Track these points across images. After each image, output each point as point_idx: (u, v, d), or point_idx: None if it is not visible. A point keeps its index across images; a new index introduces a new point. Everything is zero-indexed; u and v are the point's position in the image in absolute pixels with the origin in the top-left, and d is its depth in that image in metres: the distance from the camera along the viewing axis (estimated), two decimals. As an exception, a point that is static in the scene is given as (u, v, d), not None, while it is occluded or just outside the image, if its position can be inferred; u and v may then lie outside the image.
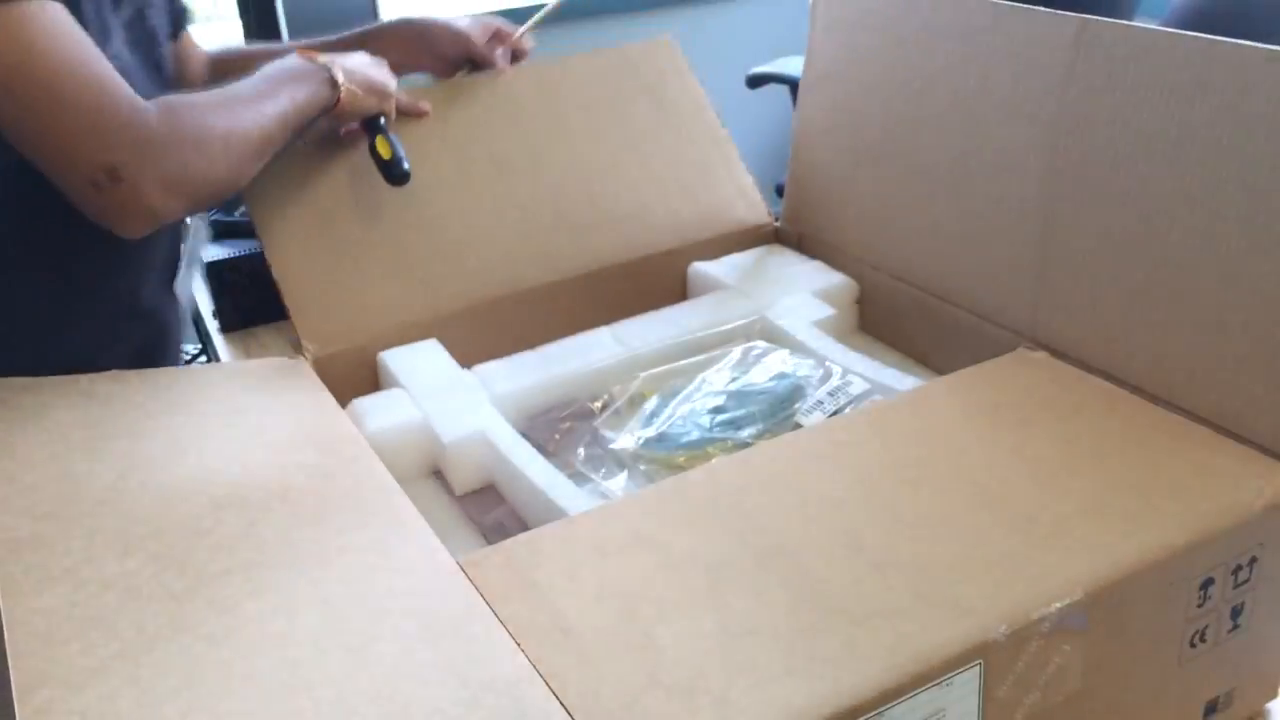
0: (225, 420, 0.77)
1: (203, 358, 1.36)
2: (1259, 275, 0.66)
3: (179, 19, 1.01)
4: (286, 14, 1.14)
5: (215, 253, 1.19)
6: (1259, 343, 0.67)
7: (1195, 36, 0.65)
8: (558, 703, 0.53)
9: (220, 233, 1.22)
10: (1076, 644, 0.58)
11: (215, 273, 1.16)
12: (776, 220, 1.09)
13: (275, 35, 1.15)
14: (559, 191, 1.03)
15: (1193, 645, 0.64)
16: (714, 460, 0.75)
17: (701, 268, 1.03)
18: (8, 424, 0.73)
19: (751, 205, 1.09)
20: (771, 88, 2.41)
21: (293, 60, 0.90)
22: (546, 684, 0.54)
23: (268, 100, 0.84)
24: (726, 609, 0.57)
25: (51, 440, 0.72)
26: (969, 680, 0.55)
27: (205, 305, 1.21)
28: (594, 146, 1.07)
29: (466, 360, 0.90)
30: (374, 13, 1.48)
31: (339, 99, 0.90)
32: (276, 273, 0.93)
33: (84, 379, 0.79)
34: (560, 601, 0.59)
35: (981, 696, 0.55)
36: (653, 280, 1.04)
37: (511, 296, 0.98)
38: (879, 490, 0.66)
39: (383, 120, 0.97)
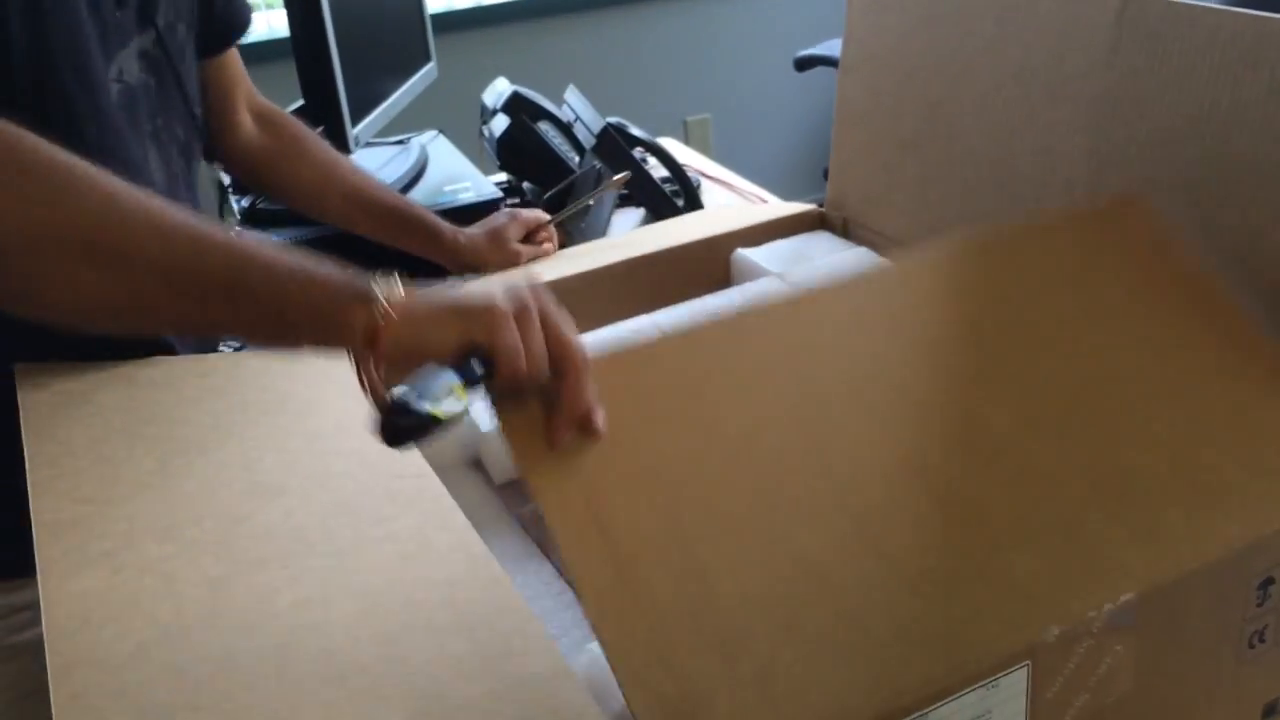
0: (265, 407, 0.78)
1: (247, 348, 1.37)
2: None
3: (221, 32, 0.94)
4: (331, 5, 1.14)
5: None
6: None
7: (1242, 12, 0.63)
8: (591, 698, 0.52)
9: (259, 220, 1.23)
10: (1129, 643, 0.56)
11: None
12: (821, 205, 1.07)
13: (320, 28, 1.14)
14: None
15: (1251, 646, 0.61)
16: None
17: (745, 254, 1.01)
18: (50, 409, 0.74)
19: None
20: (819, 70, 2.38)
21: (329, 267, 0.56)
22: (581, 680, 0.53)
23: (218, 254, 0.55)
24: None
25: (93, 425, 0.72)
26: (1016, 681, 0.53)
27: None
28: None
29: (506, 348, 0.89)
30: (419, 8, 1.46)
31: (376, 332, 0.54)
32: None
33: (126, 365, 0.79)
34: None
35: (1029, 698, 0.54)
36: (696, 267, 1.02)
37: (555, 284, 0.97)
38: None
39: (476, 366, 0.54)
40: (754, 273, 1.00)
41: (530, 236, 1.08)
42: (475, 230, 1.06)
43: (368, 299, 0.54)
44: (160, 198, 0.57)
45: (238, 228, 0.53)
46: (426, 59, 1.50)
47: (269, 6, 2.31)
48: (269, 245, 0.56)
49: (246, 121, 1.02)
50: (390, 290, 0.55)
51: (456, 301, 0.56)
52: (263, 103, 1.04)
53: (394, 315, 0.54)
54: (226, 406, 0.77)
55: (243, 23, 0.97)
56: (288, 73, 1.18)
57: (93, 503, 0.65)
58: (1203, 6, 0.65)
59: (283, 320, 0.56)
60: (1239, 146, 0.65)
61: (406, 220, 1.04)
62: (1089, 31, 0.74)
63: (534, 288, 0.56)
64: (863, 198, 1.01)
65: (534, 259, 1.07)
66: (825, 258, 0.99)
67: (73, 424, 0.72)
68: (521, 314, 0.54)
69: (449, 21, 2.32)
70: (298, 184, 1.04)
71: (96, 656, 0.53)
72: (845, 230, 1.04)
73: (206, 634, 0.55)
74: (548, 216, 1.09)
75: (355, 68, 1.21)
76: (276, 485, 0.68)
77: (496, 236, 1.05)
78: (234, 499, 0.67)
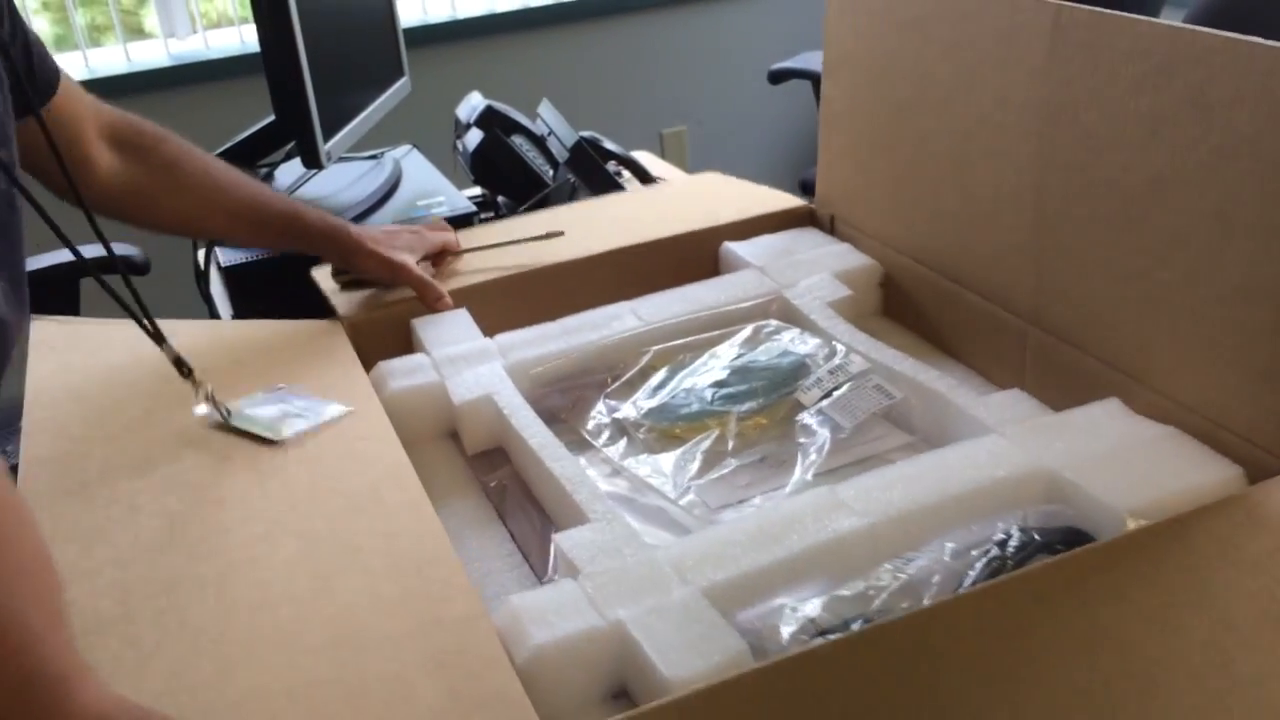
0: (255, 370, 0.84)
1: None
2: (1229, 263, 0.65)
3: (41, 86, 0.87)
4: (300, 12, 1.14)
5: (233, 256, 1.17)
6: (1232, 331, 0.65)
7: (1162, 23, 0.64)
8: (500, 644, 0.56)
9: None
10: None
11: (234, 276, 1.16)
12: (812, 202, 1.10)
13: (291, 43, 1.12)
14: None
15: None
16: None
17: (732, 247, 1.05)
18: (41, 358, 0.80)
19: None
20: (793, 83, 2.36)
21: None
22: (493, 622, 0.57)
23: None
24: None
25: (87, 376, 0.79)
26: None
27: (224, 309, 1.20)
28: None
29: (495, 331, 0.94)
30: (391, 12, 1.46)
31: None
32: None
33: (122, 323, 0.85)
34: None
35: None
36: (686, 258, 1.06)
37: (544, 270, 1.01)
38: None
39: None
40: (740, 265, 1.03)
41: (439, 256, 1.03)
42: (377, 233, 0.99)
43: None
44: None
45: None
46: (400, 73, 1.48)
47: (242, 21, 2.24)
48: None
49: (103, 156, 0.93)
50: None
51: None
52: (126, 129, 0.95)
53: None
54: (219, 368, 0.83)
55: (54, 80, 0.90)
56: (259, 87, 1.16)
57: (80, 440, 0.71)
58: (1128, 17, 0.67)
59: None
60: (1162, 151, 0.67)
61: (300, 226, 0.97)
62: (1028, 39, 0.76)
63: None
64: (844, 195, 1.04)
65: (420, 291, 0.97)
66: (808, 253, 1.02)
67: (58, 370, 0.78)
68: None
69: (422, 35, 2.25)
70: (175, 212, 0.97)
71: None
72: (831, 227, 1.07)
73: (157, 559, 0.61)
74: (458, 245, 1.04)
75: (327, 82, 1.18)
76: (249, 438, 0.74)
77: (389, 246, 0.98)
78: (211, 445, 0.73)
